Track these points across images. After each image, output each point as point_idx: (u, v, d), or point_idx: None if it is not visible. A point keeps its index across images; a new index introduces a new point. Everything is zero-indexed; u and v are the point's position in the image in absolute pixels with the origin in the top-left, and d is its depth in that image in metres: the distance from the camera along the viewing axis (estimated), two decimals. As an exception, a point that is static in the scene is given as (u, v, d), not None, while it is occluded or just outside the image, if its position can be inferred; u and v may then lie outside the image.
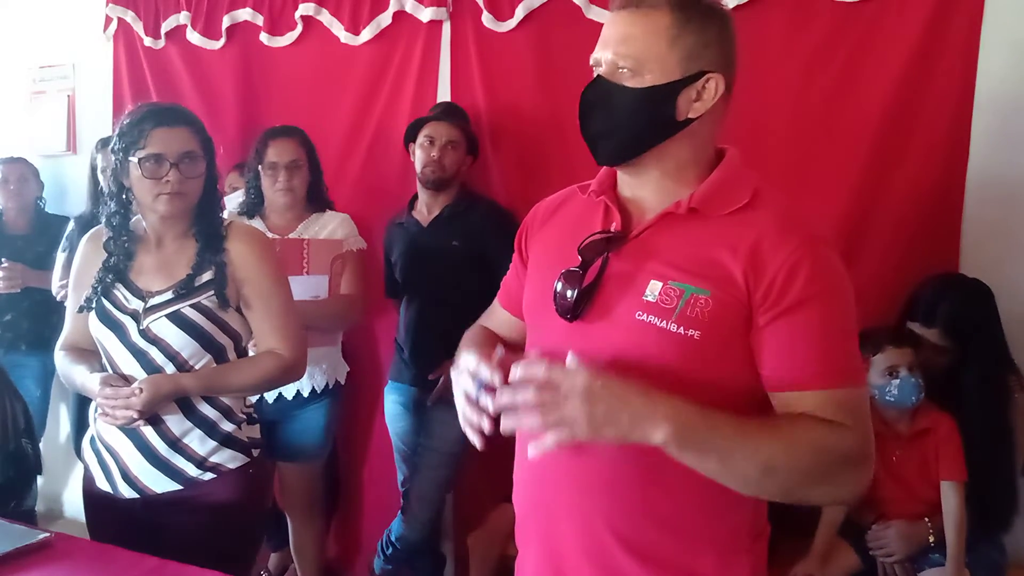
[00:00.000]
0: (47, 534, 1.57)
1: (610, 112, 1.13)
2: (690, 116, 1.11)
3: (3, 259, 3.04)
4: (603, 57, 1.13)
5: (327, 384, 2.57)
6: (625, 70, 1.10)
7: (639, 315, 1.09)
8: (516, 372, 1.04)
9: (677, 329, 1.07)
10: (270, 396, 2.46)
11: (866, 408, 1.10)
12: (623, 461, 1.12)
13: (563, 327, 1.15)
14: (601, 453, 1.12)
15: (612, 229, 1.17)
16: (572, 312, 1.13)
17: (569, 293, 1.14)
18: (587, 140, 1.17)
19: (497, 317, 1.43)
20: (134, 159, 1.66)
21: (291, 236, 2.50)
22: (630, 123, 1.12)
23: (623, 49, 1.10)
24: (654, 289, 1.09)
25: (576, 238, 1.18)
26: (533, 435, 1.17)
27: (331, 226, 2.55)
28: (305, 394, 2.52)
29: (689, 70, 1.09)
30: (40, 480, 2.24)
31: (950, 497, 1.98)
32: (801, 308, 1.05)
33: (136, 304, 1.70)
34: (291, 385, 2.45)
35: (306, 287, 2.42)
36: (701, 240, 1.11)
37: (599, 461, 1.13)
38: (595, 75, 1.14)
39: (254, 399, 1.91)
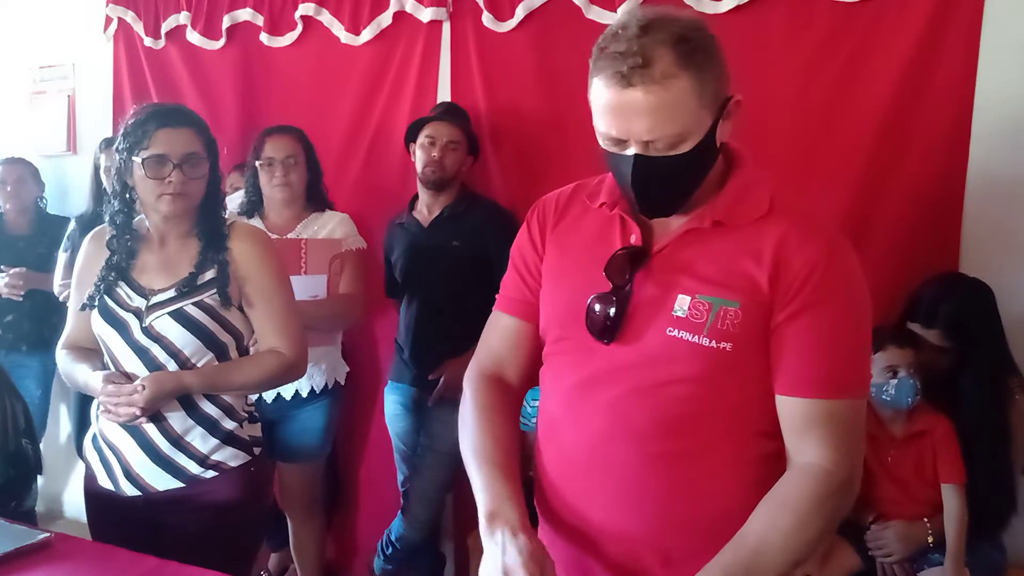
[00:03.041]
0: (47, 534, 1.56)
1: (668, 182, 1.10)
2: (723, 139, 1.12)
3: (12, 264, 3.04)
4: (631, 137, 1.07)
5: (326, 384, 2.57)
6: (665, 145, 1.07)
7: (670, 331, 1.11)
8: None
9: (709, 343, 1.09)
10: (269, 396, 2.46)
11: (861, 422, 1.12)
12: (651, 470, 1.14)
13: (594, 345, 1.16)
14: (630, 464, 1.14)
15: (632, 242, 1.17)
16: (609, 335, 1.14)
17: (604, 317, 1.14)
18: (643, 207, 1.14)
19: (501, 331, 1.35)
20: (138, 159, 1.67)
21: (289, 236, 2.50)
22: (688, 181, 1.12)
23: (658, 132, 1.05)
24: (683, 304, 1.11)
25: (595, 253, 1.18)
26: (555, 437, 1.23)
27: (330, 226, 2.55)
28: (304, 394, 2.52)
29: (718, 107, 1.08)
30: (40, 480, 2.23)
31: (951, 499, 1.98)
32: (810, 310, 1.07)
33: (139, 302, 1.71)
34: (290, 385, 2.45)
35: (304, 287, 2.42)
36: (725, 251, 1.12)
37: (629, 472, 1.15)
38: (629, 152, 1.08)
39: (255, 398, 1.91)
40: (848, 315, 1.09)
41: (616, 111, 1.06)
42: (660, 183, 1.09)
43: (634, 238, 1.17)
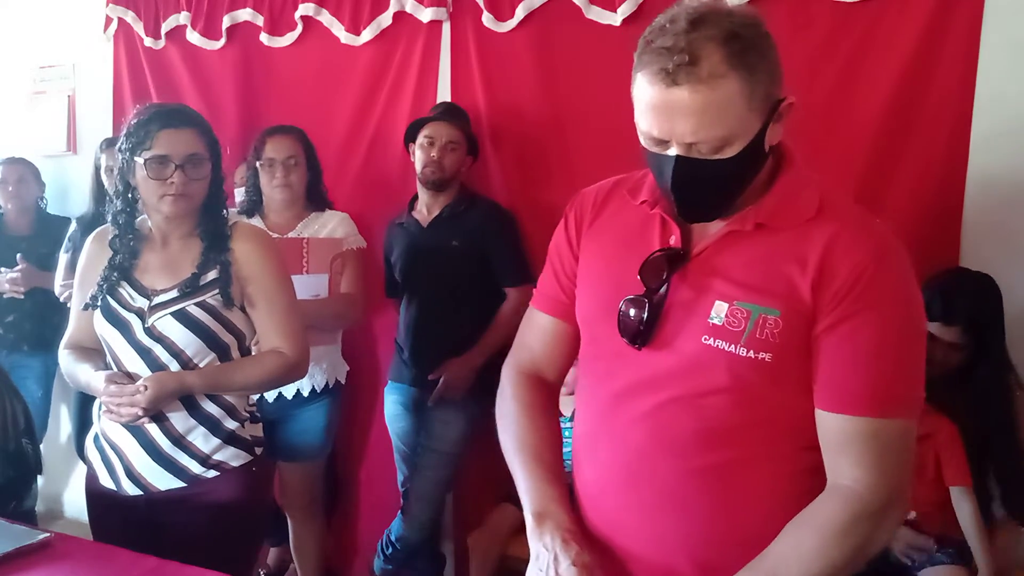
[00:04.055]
0: (47, 534, 1.57)
1: (710, 186, 1.04)
2: (773, 143, 1.07)
3: (13, 264, 3.04)
4: (674, 138, 1.02)
5: (327, 383, 2.57)
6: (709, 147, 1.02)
7: (705, 339, 1.06)
8: None
9: (747, 353, 1.04)
10: (270, 395, 2.46)
11: (908, 444, 1.05)
12: (691, 483, 1.10)
13: (627, 350, 1.12)
14: (669, 477, 1.11)
15: (671, 243, 1.12)
16: (641, 340, 1.10)
17: (638, 321, 1.10)
18: (682, 211, 1.10)
19: (536, 329, 1.33)
20: (140, 159, 1.67)
21: (291, 235, 2.50)
22: (731, 187, 1.06)
23: (703, 134, 0.99)
24: (720, 311, 1.06)
25: (632, 251, 1.14)
26: (593, 448, 1.20)
27: (331, 225, 2.55)
28: (305, 393, 2.52)
29: (768, 110, 1.03)
30: (40, 480, 2.24)
31: (963, 503, 1.95)
32: (853, 319, 1.01)
33: (141, 302, 1.71)
34: (291, 384, 2.45)
35: (306, 286, 2.42)
36: (767, 255, 1.06)
37: (668, 485, 1.12)
38: (671, 153, 1.03)
39: (256, 398, 1.91)
40: (895, 326, 1.02)
41: (659, 110, 1.00)
42: (702, 187, 1.04)
43: (673, 239, 1.12)
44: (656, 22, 1.02)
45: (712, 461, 1.09)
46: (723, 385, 1.06)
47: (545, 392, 1.31)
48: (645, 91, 1.01)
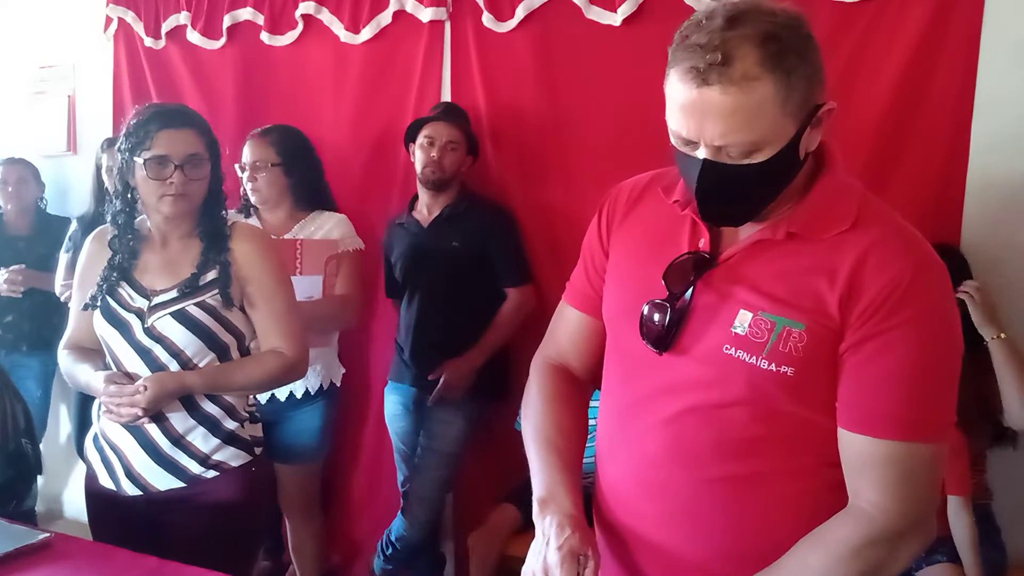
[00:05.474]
0: (47, 534, 1.57)
1: (736, 193, 1.01)
2: (809, 150, 1.02)
3: (9, 265, 3.05)
4: (703, 140, 0.98)
5: (321, 385, 2.55)
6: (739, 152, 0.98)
7: (727, 349, 1.04)
8: None
9: (768, 366, 1.01)
10: (263, 397, 2.42)
11: (930, 470, 1.02)
12: (706, 495, 1.09)
13: (649, 354, 1.11)
14: (684, 487, 1.10)
15: (700, 247, 1.10)
16: (663, 345, 1.08)
17: (660, 326, 1.08)
18: (705, 215, 1.07)
19: (564, 322, 1.32)
20: (139, 160, 1.67)
21: (286, 236, 2.49)
22: (759, 194, 1.02)
23: (732, 138, 0.95)
24: (743, 320, 1.03)
25: (660, 249, 1.12)
26: (612, 451, 1.20)
27: (327, 226, 2.53)
28: (299, 395, 2.50)
29: (804, 115, 0.97)
30: (40, 480, 2.24)
31: (960, 514, 1.95)
32: (880, 337, 0.98)
33: (141, 302, 1.71)
34: (285, 386, 2.44)
35: (299, 288, 2.38)
36: (797, 266, 1.03)
37: (683, 495, 1.11)
38: (699, 155, 0.99)
39: (253, 398, 1.91)
40: (928, 346, 0.98)
41: (688, 110, 0.96)
42: (728, 192, 1.00)
43: (703, 243, 1.09)
44: (693, 17, 0.98)
45: (728, 473, 1.07)
46: (742, 397, 1.04)
47: (571, 384, 1.30)
48: (676, 89, 0.97)
